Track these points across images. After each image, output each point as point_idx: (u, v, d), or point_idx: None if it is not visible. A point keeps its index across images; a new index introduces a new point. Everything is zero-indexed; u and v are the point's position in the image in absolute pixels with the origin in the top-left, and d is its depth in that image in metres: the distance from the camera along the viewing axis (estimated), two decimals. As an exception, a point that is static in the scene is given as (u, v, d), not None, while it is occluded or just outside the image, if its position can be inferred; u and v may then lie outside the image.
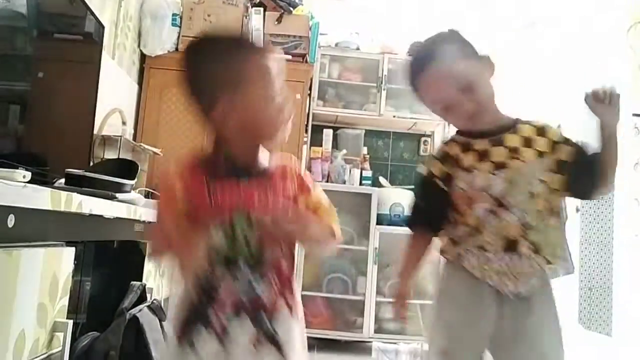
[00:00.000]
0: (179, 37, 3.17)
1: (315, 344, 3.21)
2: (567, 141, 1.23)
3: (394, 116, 3.75)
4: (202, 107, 1.04)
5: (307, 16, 3.35)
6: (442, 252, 1.30)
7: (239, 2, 3.23)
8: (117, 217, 1.40)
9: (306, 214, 1.05)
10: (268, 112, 1.02)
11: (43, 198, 1.00)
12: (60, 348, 1.11)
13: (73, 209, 1.11)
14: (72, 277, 1.19)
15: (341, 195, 3.46)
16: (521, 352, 1.19)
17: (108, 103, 2.44)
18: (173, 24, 3.11)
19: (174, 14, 3.11)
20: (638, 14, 3.50)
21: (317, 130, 3.71)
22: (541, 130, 1.24)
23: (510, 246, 1.18)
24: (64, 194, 1.07)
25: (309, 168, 3.59)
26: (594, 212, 4.05)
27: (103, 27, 2.23)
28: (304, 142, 3.41)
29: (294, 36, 3.29)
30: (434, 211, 1.28)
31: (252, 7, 3.27)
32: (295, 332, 1.03)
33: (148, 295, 1.62)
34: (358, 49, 3.84)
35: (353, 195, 3.56)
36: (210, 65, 1.02)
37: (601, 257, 3.92)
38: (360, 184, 3.65)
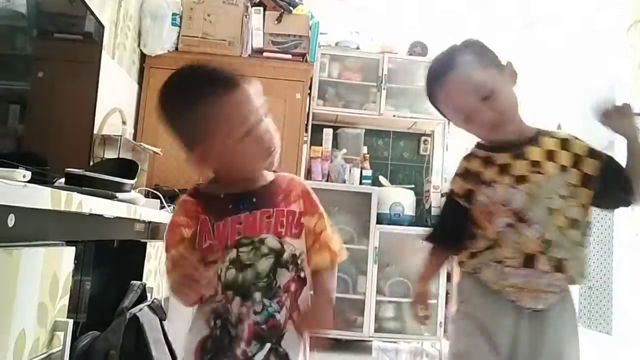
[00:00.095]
0: (179, 36, 3.17)
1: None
2: (592, 154, 1.20)
3: (394, 115, 3.76)
4: (184, 149, 1.06)
5: (307, 16, 3.35)
6: (460, 263, 1.27)
7: (239, 1, 3.23)
8: (117, 217, 1.40)
9: (323, 299, 1.12)
10: (246, 150, 1.01)
11: (43, 197, 1.00)
12: (60, 347, 1.11)
13: (73, 209, 1.11)
14: (73, 276, 1.19)
15: (341, 194, 3.47)
16: None
17: (108, 103, 2.45)
18: (173, 24, 3.12)
19: (173, 14, 3.11)
20: (638, 12, 3.49)
21: (317, 130, 3.72)
22: (565, 143, 1.21)
23: (529, 262, 1.15)
24: (64, 193, 1.07)
25: (309, 167, 3.60)
26: (594, 211, 4.03)
27: (103, 27, 2.23)
28: (304, 142, 3.41)
29: (294, 35, 3.29)
30: (453, 232, 1.26)
31: (252, 6, 3.27)
32: (302, 351, 1.06)
33: (148, 295, 1.62)
34: (358, 48, 3.85)
35: (353, 195, 3.57)
36: (182, 113, 1.02)
37: (601, 256, 3.92)
38: (360, 183, 3.66)
